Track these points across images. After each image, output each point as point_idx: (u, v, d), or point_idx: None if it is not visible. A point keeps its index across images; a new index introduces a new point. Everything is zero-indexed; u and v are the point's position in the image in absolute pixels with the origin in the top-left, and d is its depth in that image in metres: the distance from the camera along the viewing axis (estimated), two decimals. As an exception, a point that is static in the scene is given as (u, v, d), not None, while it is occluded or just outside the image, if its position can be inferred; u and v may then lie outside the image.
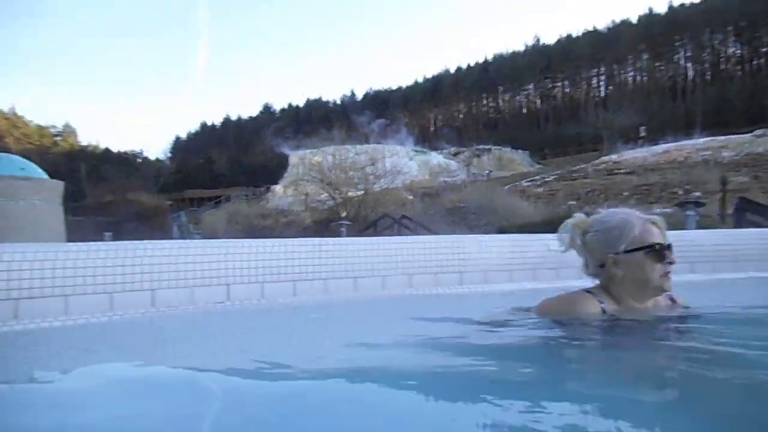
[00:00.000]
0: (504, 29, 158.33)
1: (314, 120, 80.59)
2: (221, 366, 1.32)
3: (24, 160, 19.36)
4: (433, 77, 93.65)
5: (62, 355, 1.83)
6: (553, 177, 34.83)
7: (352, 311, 2.52)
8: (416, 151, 53.30)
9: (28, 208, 16.41)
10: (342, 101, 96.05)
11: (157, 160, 71.81)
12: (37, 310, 2.14)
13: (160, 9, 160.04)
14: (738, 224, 9.91)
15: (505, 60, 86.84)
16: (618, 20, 79.17)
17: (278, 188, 45.40)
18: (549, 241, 2.75)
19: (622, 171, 31.88)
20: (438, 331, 1.79)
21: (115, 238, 27.27)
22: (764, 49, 65.79)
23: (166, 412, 0.93)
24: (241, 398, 0.99)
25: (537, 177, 36.62)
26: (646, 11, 76.65)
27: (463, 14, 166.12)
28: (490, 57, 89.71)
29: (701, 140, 36.67)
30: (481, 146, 58.47)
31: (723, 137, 34.93)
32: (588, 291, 1.62)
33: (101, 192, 44.85)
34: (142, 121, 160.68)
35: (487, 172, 45.48)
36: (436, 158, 52.28)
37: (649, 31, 71.78)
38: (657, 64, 74.06)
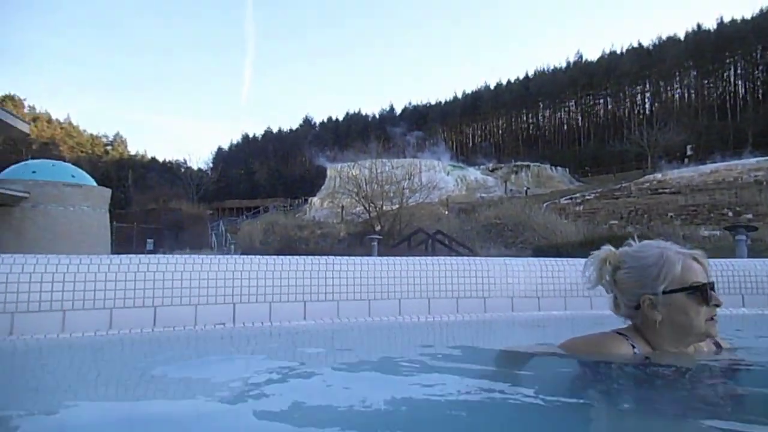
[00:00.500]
0: (545, 46, 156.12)
1: (353, 133, 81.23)
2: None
3: (75, 167, 20.17)
4: (473, 92, 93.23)
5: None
6: (593, 195, 33.92)
7: (368, 335, 2.38)
8: (453, 166, 53.00)
9: (77, 214, 17.03)
10: (380, 115, 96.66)
11: (200, 169, 73.62)
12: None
13: (209, 26, 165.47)
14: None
15: (546, 76, 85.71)
16: (664, 36, 77.22)
17: (315, 200, 45.85)
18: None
19: (667, 190, 30.74)
20: (457, 362, 1.63)
21: (157, 244, 28.05)
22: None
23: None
24: None
25: (577, 195, 35.73)
26: (695, 27, 74.60)
27: (503, 30, 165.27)
28: (530, 73, 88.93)
29: (752, 160, 35.17)
30: (519, 162, 57.69)
31: (776, 157, 33.42)
32: (619, 333, 1.42)
33: (145, 199, 46.28)
34: (187, 132, 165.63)
35: (525, 188, 44.74)
36: (473, 173, 51.83)
37: (698, 47, 69.65)
38: (705, 81, 71.65)
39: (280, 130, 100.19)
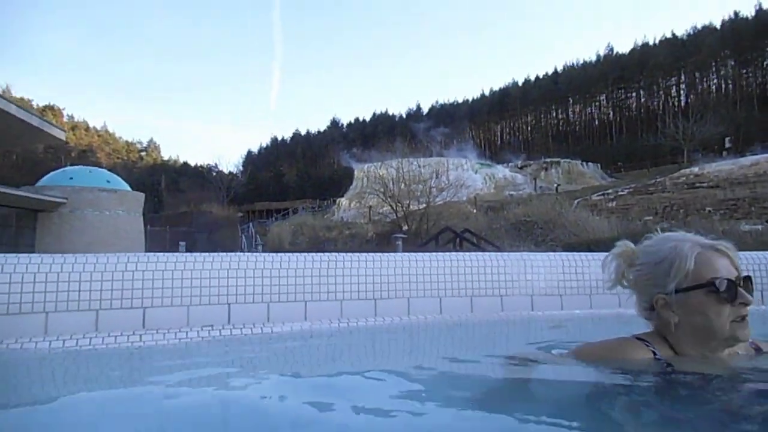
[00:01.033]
0: (574, 40, 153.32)
1: (380, 133, 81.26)
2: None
3: (110, 173, 20.69)
4: (500, 89, 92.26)
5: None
6: (627, 191, 33.01)
7: (375, 337, 2.24)
8: (481, 164, 52.38)
9: (112, 218, 17.45)
10: (407, 114, 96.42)
11: (230, 173, 74.82)
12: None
13: (238, 33, 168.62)
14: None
15: (576, 71, 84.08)
16: (699, 26, 74.79)
17: (343, 201, 46.01)
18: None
19: (704, 184, 29.66)
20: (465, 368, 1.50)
21: (189, 247, 28.60)
22: None
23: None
24: None
25: (609, 190, 34.84)
26: (731, 15, 71.98)
27: (531, 26, 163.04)
28: (559, 68, 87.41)
29: (796, 151, 33.69)
30: (549, 159, 56.65)
31: (821, 148, 31.93)
32: (638, 338, 1.25)
33: (178, 203, 47.31)
34: (218, 136, 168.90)
35: (555, 185, 43.90)
36: (501, 171, 51.12)
37: (735, 35, 67.17)
38: (744, 70, 69.03)
39: (308, 132, 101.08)
